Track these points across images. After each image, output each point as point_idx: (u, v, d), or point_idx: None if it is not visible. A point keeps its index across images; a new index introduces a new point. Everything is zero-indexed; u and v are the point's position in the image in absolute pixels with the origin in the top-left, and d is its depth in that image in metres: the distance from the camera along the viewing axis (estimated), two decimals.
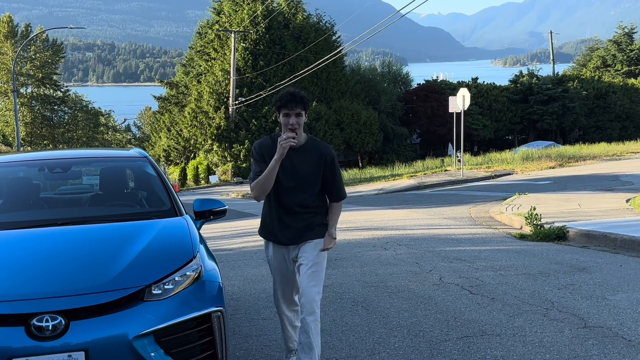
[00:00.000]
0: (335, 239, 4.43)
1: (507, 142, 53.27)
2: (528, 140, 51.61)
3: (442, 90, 49.58)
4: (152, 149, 53.32)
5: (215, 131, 41.91)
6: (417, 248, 9.34)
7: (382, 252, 9.15)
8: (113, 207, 4.97)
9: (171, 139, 50.18)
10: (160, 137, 53.13)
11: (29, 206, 5.03)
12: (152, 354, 3.41)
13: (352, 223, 12.79)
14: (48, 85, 56.20)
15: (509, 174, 24.99)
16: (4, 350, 3.24)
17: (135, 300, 3.53)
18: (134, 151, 5.81)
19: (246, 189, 32.64)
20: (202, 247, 4.26)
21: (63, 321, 3.34)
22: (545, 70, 59.02)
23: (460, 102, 23.55)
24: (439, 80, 55.51)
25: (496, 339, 5.12)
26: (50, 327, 3.31)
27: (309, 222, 4.32)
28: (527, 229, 10.37)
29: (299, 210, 4.29)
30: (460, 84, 48.98)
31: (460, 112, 24.01)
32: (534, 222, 10.21)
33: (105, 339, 3.35)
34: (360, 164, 45.03)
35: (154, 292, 3.60)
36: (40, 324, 3.31)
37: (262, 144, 4.29)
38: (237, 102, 41.67)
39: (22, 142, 46.02)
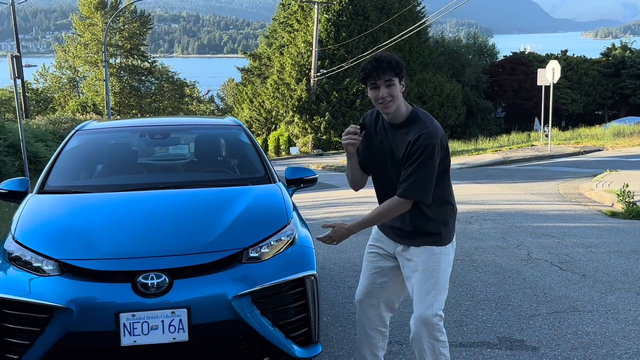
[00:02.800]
0: (345, 234, 3.35)
1: (597, 117, 51.29)
2: (619, 115, 49.53)
3: (529, 62, 48.07)
4: None
5: (296, 103, 42.18)
6: (503, 223, 9.21)
7: (466, 226, 9.07)
8: (209, 173, 5.14)
9: (253, 110, 50.85)
10: (242, 108, 53.92)
11: (129, 171, 5.25)
12: (249, 314, 3.53)
13: None
14: (136, 56, 57.76)
15: (599, 150, 24.13)
16: (112, 304, 3.41)
17: (234, 262, 3.65)
18: (229, 119, 5.97)
19: (326, 160, 32.79)
20: (295, 214, 4.35)
21: (167, 279, 3.48)
22: (639, 42, 56.22)
23: (549, 74, 22.82)
24: (526, 53, 53.80)
25: (588, 315, 5.03)
26: (155, 285, 3.46)
27: (414, 226, 3.38)
28: (619, 207, 10.06)
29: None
30: (549, 57, 47.32)
31: (549, 86, 23.28)
32: (626, 200, 9.90)
33: (206, 297, 3.48)
34: None
35: (251, 255, 3.71)
36: (145, 281, 3.46)
37: (365, 117, 3.52)
38: (318, 74, 41.75)
39: (112, 111, 47.66)
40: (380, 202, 3.47)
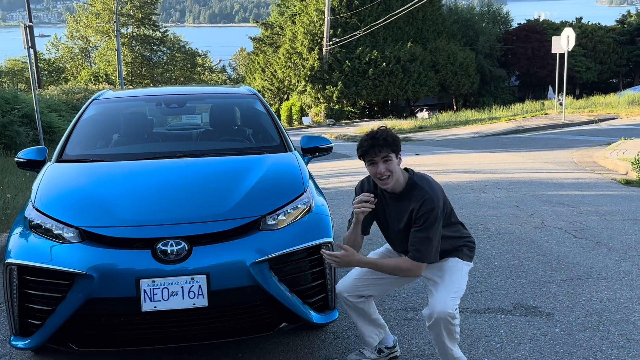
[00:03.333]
0: (352, 263, 3.45)
1: (611, 85, 50.78)
2: (634, 83, 49.01)
3: (543, 30, 47.53)
4: None
5: (308, 72, 41.98)
6: (517, 191, 9.21)
7: (480, 195, 9.08)
8: (225, 142, 5.16)
9: (265, 80, 50.63)
10: (254, 78, 53.65)
11: (146, 140, 5.28)
12: (267, 280, 3.57)
13: (448, 165, 12.70)
14: (147, 26, 57.43)
15: (613, 118, 23.96)
16: (132, 271, 3.46)
17: (252, 230, 3.69)
18: (244, 88, 5.97)
19: (338, 130, 32.67)
20: (311, 182, 4.38)
21: (186, 246, 3.52)
22: None
23: (564, 42, 22.58)
24: (540, 20, 53.14)
25: (602, 282, 5.06)
26: (174, 251, 3.50)
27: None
28: (633, 175, 10.02)
29: None
30: (564, 24, 46.78)
31: (564, 53, 23.04)
32: None
33: (225, 264, 3.52)
34: (455, 107, 44.17)
35: (268, 222, 3.75)
36: (165, 248, 3.50)
37: (362, 186, 3.67)
38: (331, 42, 41.45)
39: (124, 81, 47.58)
40: (392, 247, 3.72)
